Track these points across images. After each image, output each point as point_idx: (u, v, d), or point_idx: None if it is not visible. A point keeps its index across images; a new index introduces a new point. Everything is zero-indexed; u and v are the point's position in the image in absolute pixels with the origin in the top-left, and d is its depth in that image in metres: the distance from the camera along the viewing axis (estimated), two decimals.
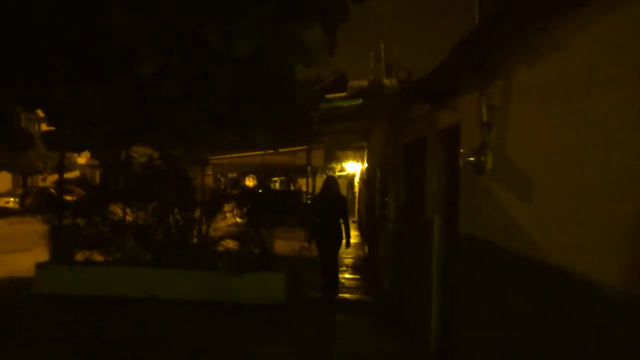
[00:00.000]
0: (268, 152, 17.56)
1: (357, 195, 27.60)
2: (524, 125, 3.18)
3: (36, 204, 8.93)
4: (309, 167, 18.59)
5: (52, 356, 5.74)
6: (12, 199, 24.51)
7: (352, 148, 18.01)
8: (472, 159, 3.63)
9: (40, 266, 8.74)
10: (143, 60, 4.06)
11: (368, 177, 15.38)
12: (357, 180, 27.19)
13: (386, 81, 8.20)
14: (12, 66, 4.95)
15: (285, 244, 9.93)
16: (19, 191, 25.51)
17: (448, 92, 4.50)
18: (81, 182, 8.74)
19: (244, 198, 8.73)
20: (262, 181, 9.44)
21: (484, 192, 3.72)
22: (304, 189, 22.76)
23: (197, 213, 8.84)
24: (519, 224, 3.14)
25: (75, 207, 8.70)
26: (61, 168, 8.45)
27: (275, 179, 32.14)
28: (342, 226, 8.98)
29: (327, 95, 8.88)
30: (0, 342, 6.27)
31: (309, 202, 22.72)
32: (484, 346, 3.74)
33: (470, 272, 4.17)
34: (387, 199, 9.78)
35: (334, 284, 8.99)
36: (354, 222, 25.84)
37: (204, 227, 8.82)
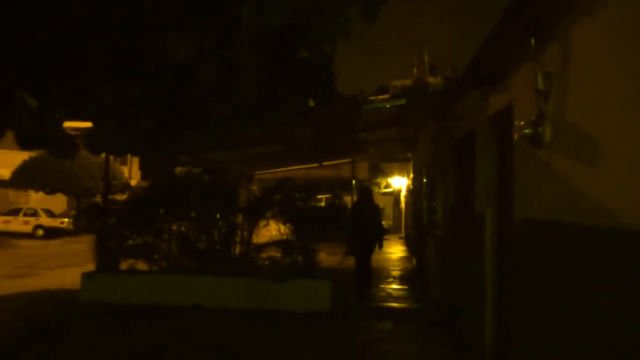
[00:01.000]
0: (312, 165, 17.48)
1: (403, 211, 27.10)
2: (586, 89, 2.85)
3: (84, 214, 8.94)
4: (353, 181, 18.30)
5: None
6: (66, 220, 25.23)
7: (397, 160, 17.67)
8: (528, 130, 3.31)
9: (86, 276, 8.78)
10: (174, 45, 3.93)
11: (414, 187, 14.98)
12: (403, 196, 26.73)
13: (431, 79, 7.93)
14: (47, 65, 4.88)
15: (329, 258, 9.91)
16: (73, 212, 26.29)
17: (499, 68, 4.20)
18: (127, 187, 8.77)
19: (287, 203, 8.53)
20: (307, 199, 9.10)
21: (543, 168, 3.38)
22: (349, 205, 22.53)
23: (240, 220, 8.70)
24: (585, 194, 2.80)
25: (120, 216, 8.74)
26: (106, 175, 8.52)
27: (321, 196, 32.09)
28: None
29: (369, 98, 8.65)
30: (48, 347, 6.24)
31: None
32: (548, 344, 3.35)
33: (530, 261, 3.80)
34: (434, 203, 9.41)
35: (367, 290, 9.15)
36: (400, 237, 25.39)
37: (246, 234, 8.67)
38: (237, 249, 8.81)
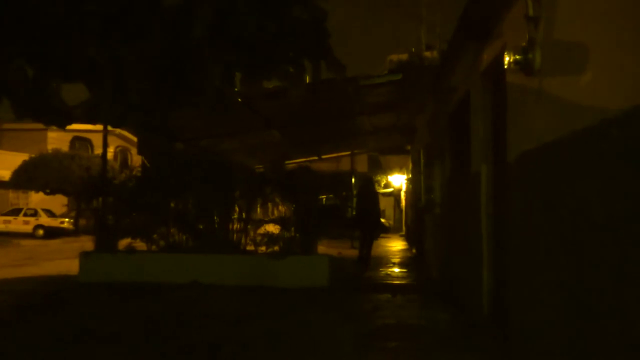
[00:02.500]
0: (312, 158, 17.47)
1: (403, 209, 27.14)
2: (572, 8, 2.89)
3: (82, 190, 8.93)
4: (353, 178, 18.31)
5: (95, 328, 5.61)
6: (66, 220, 25.26)
7: (395, 152, 17.67)
8: (519, 57, 3.34)
9: (84, 255, 8.79)
10: None
11: (413, 175, 15.02)
12: (403, 192, 26.77)
13: (427, 53, 7.97)
14: (39, 26, 4.89)
15: (329, 250, 10.25)
16: (73, 213, 26.31)
17: (490, 12, 4.24)
18: (123, 166, 8.79)
19: (285, 181, 8.54)
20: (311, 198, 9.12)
21: (534, 97, 3.41)
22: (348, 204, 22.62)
23: (238, 198, 8.71)
24: (574, 104, 2.83)
25: (119, 195, 8.75)
26: (104, 152, 8.52)
27: (322, 196, 32.15)
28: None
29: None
30: (46, 318, 6.23)
31: (354, 213, 22.53)
32: (545, 294, 3.36)
33: (525, 199, 3.81)
34: (432, 182, 9.44)
35: (367, 258, 10.97)
36: (401, 235, 25.42)
37: (244, 212, 8.68)
38: (235, 227, 8.81)
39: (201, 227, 8.82)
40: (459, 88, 6.61)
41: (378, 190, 12.76)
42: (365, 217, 10.97)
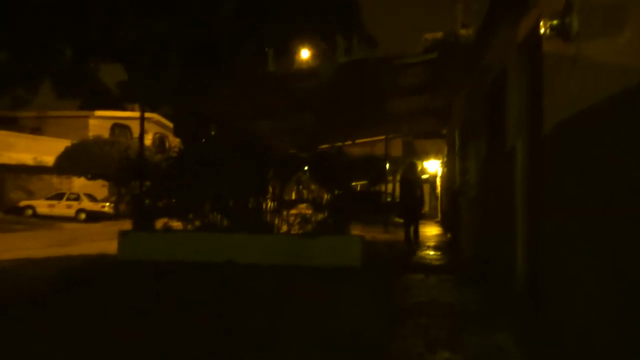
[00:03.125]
0: (346, 143, 17.42)
1: (439, 196, 26.85)
2: None
3: (119, 171, 9.17)
4: (387, 164, 18.15)
5: (131, 301, 5.77)
6: (107, 204, 25.97)
7: (431, 136, 17.43)
8: (555, 22, 3.24)
9: (123, 234, 9.02)
10: None
11: (448, 159, 14.81)
12: (438, 180, 26.47)
13: (462, 31, 7.80)
14: (79, 8, 5.02)
15: (363, 234, 10.07)
16: (113, 198, 27.05)
17: None
18: (160, 148, 8.96)
19: (318, 162, 8.55)
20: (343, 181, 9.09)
21: (570, 64, 3.31)
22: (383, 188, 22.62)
23: (271, 178, 8.78)
24: (613, 65, 2.73)
25: (155, 176, 8.93)
26: (141, 134, 8.71)
27: (356, 183, 32.14)
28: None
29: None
30: (84, 293, 6.43)
31: (389, 200, 22.49)
32: (582, 267, 3.28)
33: (562, 170, 3.72)
34: (467, 164, 9.29)
35: (416, 236, 11.65)
36: (436, 222, 25.17)
37: (277, 192, 8.74)
38: (269, 207, 8.89)
39: (235, 207, 8.92)
40: (495, 65, 6.46)
41: (419, 174, 12.97)
42: (410, 201, 11.46)
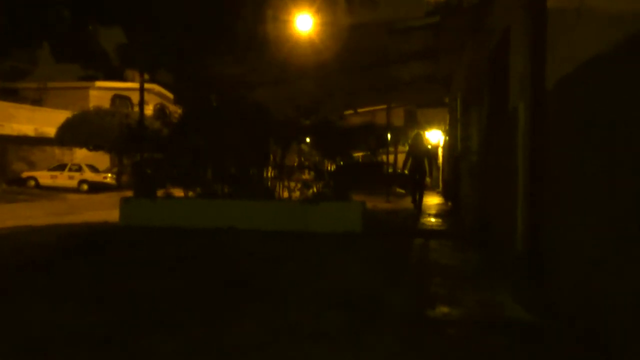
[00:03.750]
0: (347, 112, 17.33)
1: (440, 166, 26.84)
2: None
3: (120, 138, 9.13)
4: (389, 134, 18.06)
5: (134, 262, 5.81)
6: (109, 175, 26.04)
7: (433, 105, 17.30)
8: None
9: (124, 200, 9.05)
10: None
11: (450, 126, 14.76)
12: (440, 150, 26.42)
13: None
14: None
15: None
16: (115, 169, 27.09)
17: None
18: (160, 116, 8.92)
19: (319, 128, 8.50)
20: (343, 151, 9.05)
21: (575, 15, 3.25)
22: (384, 158, 22.66)
23: (272, 144, 8.74)
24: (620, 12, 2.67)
25: (156, 142, 8.90)
26: (141, 99, 8.64)
27: (357, 154, 32.04)
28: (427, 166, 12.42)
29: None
30: (85, 258, 6.48)
31: (390, 171, 22.49)
32: (582, 223, 3.27)
33: (564, 127, 3.69)
34: (469, 130, 9.24)
35: (419, 202, 12.45)
36: (438, 192, 25.23)
37: (278, 158, 8.72)
38: (270, 174, 8.88)
39: (237, 174, 8.92)
40: (498, 27, 6.36)
41: (426, 144, 13.74)
42: (417, 169, 12.35)
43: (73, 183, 25.18)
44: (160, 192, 9.11)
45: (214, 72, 9.10)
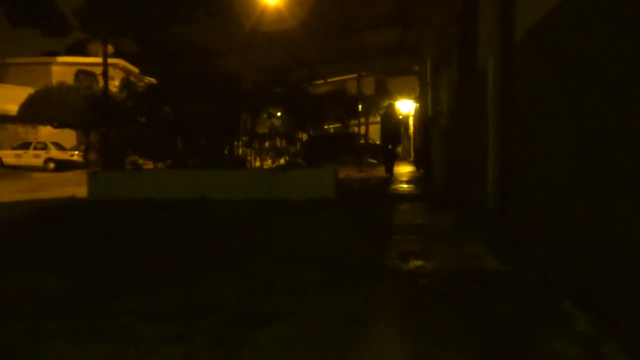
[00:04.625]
0: (318, 82, 17.17)
1: (412, 136, 27.01)
2: None
3: (84, 109, 8.85)
4: (360, 105, 17.99)
5: (106, 232, 5.68)
6: (76, 152, 25.45)
7: (403, 73, 17.28)
8: None
9: (92, 174, 8.85)
10: None
11: (421, 92, 14.82)
12: (411, 120, 26.52)
13: None
14: None
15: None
16: (82, 147, 26.47)
17: None
18: (126, 85, 8.66)
19: (290, 97, 8.38)
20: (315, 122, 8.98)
21: None
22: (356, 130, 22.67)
23: (243, 112, 8.60)
24: None
25: (124, 112, 8.66)
26: (105, 59, 8.33)
27: (328, 126, 32.00)
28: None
29: None
30: (51, 230, 6.31)
31: (362, 142, 22.54)
32: (547, 174, 3.29)
33: (533, 80, 3.69)
34: (440, 94, 9.26)
35: (391, 168, 13.95)
36: (409, 162, 25.45)
37: (249, 125, 8.60)
38: (241, 142, 8.77)
39: (207, 143, 8.77)
40: None
41: (397, 115, 15.76)
42: (389, 138, 13.68)
43: (39, 162, 24.56)
44: (129, 165, 8.92)
45: (181, 41, 8.86)
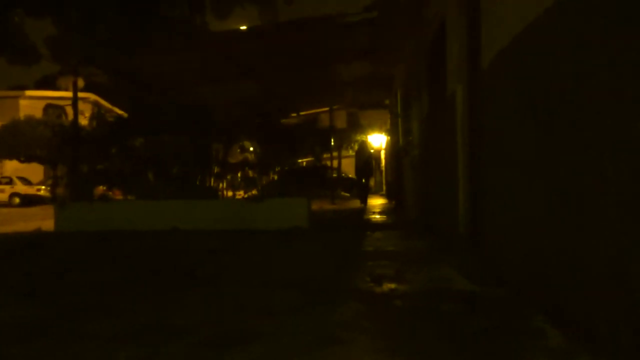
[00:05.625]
0: (291, 115, 17.31)
1: (383, 169, 27.29)
2: None
3: (53, 139, 8.70)
4: (332, 140, 18.15)
5: (75, 262, 5.51)
6: (43, 187, 24.88)
7: (375, 107, 17.57)
8: None
9: (60, 205, 8.65)
10: None
11: (392, 124, 15.10)
12: (382, 154, 26.84)
13: None
14: None
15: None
16: (49, 182, 25.92)
17: None
18: (97, 116, 8.58)
19: (261, 126, 8.42)
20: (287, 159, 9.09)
21: None
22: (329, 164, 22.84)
23: (214, 143, 8.59)
24: None
25: (93, 143, 8.55)
26: (75, 90, 8.23)
27: (301, 160, 32.11)
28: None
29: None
30: (26, 257, 6.10)
31: (335, 175, 22.68)
32: (517, 200, 3.37)
33: (500, 104, 3.80)
34: (410, 125, 9.43)
35: (365, 199, 15.07)
36: (381, 194, 25.65)
37: (221, 156, 8.57)
38: (213, 172, 8.72)
39: (178, 174, 8.70)
40: (435, 18, 6.54)
41: (369, 149, 16.72)
42: (362, 171, 15.04)
43: (4, 197, 23.91)
44: (97, 196, 8.77)
45: (152, 71, 8.87)
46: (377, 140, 25.35)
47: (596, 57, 2.18)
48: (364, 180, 15.37)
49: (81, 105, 9.00)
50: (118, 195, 8.77)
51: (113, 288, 3.94)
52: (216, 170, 8.78)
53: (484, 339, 2.48)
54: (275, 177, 9.07)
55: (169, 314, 3.09)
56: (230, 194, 8.73)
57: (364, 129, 22.77)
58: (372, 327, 2.74)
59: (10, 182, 24.52)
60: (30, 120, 24.89)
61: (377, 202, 18.50)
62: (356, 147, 19.29)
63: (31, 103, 29.86)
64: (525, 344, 2.37)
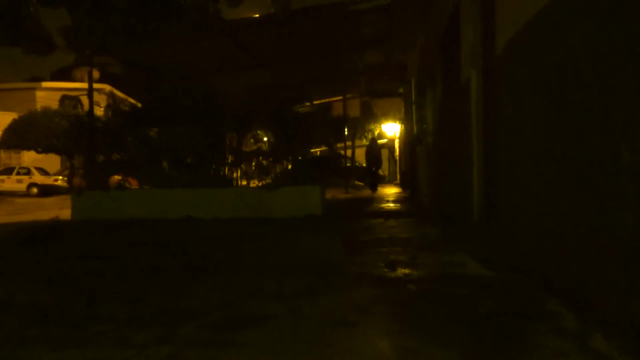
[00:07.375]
0: (304, 104, 17.29)
1: (397, 159, 27.18)
2: None
3: (69, 130, 8.82)
4: (345, 129, 18.10)
5: (92, 249, 5.59)
6: (60, 177, 25.17)
7: (388, 95, 17.45)
8: None
9: (76, 194, 8.76)
10: None
11: (406, 112, 14.96)
12: (396, 143, 26.72)
13: None
14: None
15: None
16: (66, 171, 26.22)
17: None
18: (112, 104, 8.64)
19: (275, 114, 8.41)
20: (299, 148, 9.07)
21: None
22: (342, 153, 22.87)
23: (229, 130, 8.60)
24: None
25: (108, 133, 8.62)
26: (90, 80, 8.32)
27: (315, 149, 32.10)
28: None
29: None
30: (35, 249, 6.19)
31: (348, 164, 22.71)
32: (532, 190, 3.33)
33: (514, 90, 3.76)
34: (425, 112, 9.36)
35: (375, 187, 16.86)
36: (396, 184, 25.57)
37: (235, 144, 8.59)
38: (227, 160, 8.75)
39: (193, 162, 8.74)
40: (449, 3, 6.47)
41: (379, 146, 18.83)
42: (372, 162, 17.11)
43: (22, 187, 24.25)
44: (113, 185, 8.86)
45: (165, 60, 8.90)
46: (391, 130, 25.23)
47: (614, 39, 2.14)
48: (374, 169, 17.46)
49: (96, 96, 9.10)
50: (134, 184, 8.83)
51: (129, 273, 3.99)
52: (230, 159, 8.80)
53: (498, 321, 2.47)
54: (289, 166, 9.07)
55: (183, 298, 3.12)
56: (244, 182, 8.74)
57: (377, 117, 22.66)
58: (385, 310, 2.74)
59: (28, 172, 24.85)
60: (46, 112, 25.14)
61: (391, 191, 18.48)
62: (370, 136, 22.66)
63: (47, 94, 30.15)
64: (539, 327, 2.36)
